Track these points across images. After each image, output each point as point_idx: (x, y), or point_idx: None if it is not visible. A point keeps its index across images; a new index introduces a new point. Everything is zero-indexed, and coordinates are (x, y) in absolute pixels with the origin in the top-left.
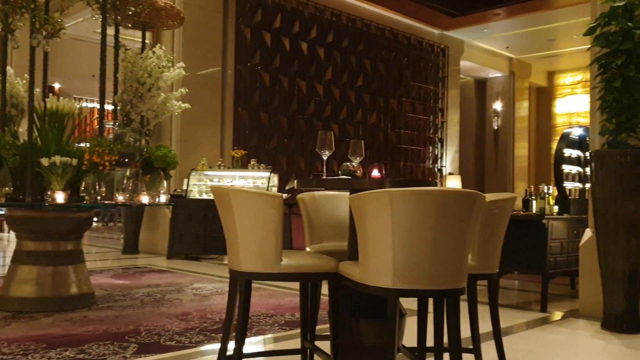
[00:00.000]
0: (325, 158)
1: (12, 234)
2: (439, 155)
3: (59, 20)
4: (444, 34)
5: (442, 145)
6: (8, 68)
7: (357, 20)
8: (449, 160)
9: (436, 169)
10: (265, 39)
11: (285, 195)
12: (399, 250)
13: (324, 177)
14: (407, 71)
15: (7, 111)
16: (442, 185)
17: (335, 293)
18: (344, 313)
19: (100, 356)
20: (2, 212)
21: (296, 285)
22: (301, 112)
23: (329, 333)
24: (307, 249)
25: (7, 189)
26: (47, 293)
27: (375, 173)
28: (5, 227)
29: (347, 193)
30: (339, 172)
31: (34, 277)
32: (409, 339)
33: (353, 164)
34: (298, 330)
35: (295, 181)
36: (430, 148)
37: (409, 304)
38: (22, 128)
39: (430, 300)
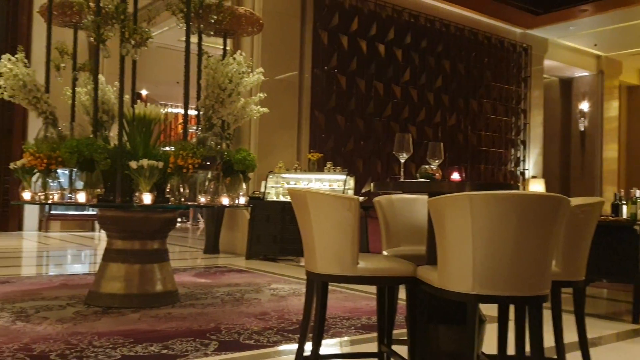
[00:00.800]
0: (402, 161)
1: (103, 233)
2: (522, 158)
3: (147, 29)
4: (527, 32)
5: (524, 148)
6: (100, 76)
7: (435, 20)
8: (531, 163)
9: (518, 172)
10: (342, 42)
11: (361, 198)
12: (479, 255)
13: (402, 180)
14: (487, 71)
15: (99, 117)
16: (524, 189)
17: (412, 297)
18: (421, 318)
19: (183, 352)
20: (95, 212)
21: (372, 288)
22: (378, 115)
23: (406, 338)
24: (384, 252)
25: (98, 190)
26: (135, 290)
27: (454, 176)
28: (97, 226)
29: (426, 196)
30: (417, 175)
31: (123, 275)
32: (489, 346)
33: (432, 166)
34: (375, 334)
35: (372, 184)
36: (512, 150)
37: (489, 310)
38: (113, 133)
39: (512, 307)
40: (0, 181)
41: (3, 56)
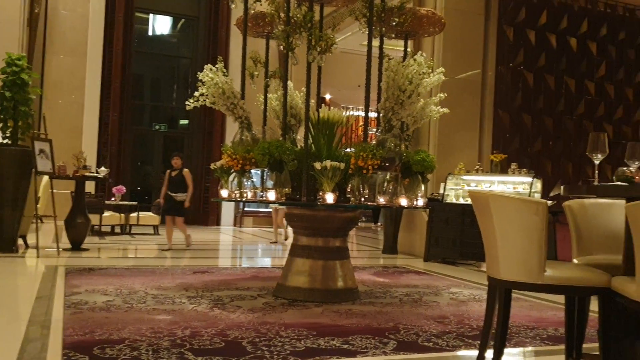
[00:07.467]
0: (597, 162)
1: (290, 230)
2: None
3: (331, 36)
4: None
5: None
6: (289, 82)
7: (636, 10)
8: None
9: None
10: (529, 38)
11: (549, 202)
12: None
13: (596, 183)
14: None
15: (287, 121)
16: None
17: (607, 310)
18: (616, 333)
19: (362, 349)
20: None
21: (560, 298)
22: (569, 113)
23: (597, 353)
24: (574, 261)
25: (286, 189)
26: (318, 285)
27: None
28: (285, 222)
29: (623, 201)
30: (614, 178)
31: (307, 269)
32: None
33: (630, 169)
34: (562, 347)
35: (562, 187)
36: None
37: None
38: (299, 135)
39: None
40: (201, 180)
41: (205, 67)
